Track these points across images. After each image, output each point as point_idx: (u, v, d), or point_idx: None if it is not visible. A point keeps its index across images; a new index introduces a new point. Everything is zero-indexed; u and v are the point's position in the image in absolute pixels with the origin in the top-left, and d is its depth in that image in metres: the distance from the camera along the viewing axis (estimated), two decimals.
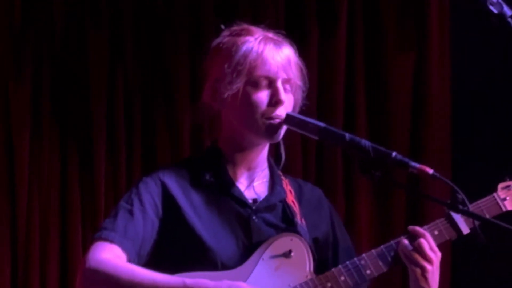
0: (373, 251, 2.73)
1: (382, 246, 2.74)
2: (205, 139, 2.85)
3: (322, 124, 2.68)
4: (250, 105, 2.68)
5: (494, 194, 2.85)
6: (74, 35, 4.52)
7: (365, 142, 2.59)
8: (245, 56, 2.68)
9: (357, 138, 2.61)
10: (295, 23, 4.58)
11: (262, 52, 2.69)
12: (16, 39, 4.46)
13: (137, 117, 4.55)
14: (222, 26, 2.79)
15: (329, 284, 2.67)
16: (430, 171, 2.53)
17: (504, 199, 2.85)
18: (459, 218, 2.77)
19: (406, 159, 2.56)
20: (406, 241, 2.73)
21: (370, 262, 2.71)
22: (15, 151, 4.44)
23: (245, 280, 2.62)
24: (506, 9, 2.26)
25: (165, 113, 4.55)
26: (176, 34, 4.58)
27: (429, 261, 2.70)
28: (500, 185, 2.88)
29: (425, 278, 2.70)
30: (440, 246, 2.81)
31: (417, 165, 2.55)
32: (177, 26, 4.58)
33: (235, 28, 2.78)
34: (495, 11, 2.27)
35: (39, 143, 4.47)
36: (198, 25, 4.55)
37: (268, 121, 2.69)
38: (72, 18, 4.51)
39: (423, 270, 2.69)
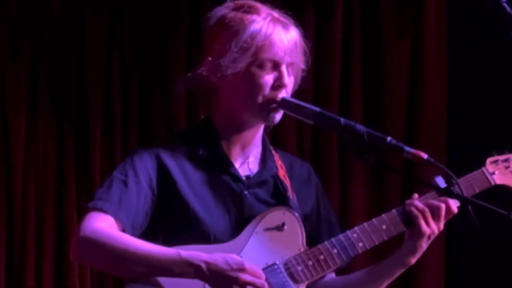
0: (365, 224, 2.76)
1: (374, 219, 2.76)
2: (199, 111, 2.83)
3: (317, 109, 2.69)
4: (253, 86, 2.68)
5: (483, 168, 2.87)
6: (72, 20, 4.52)
7: (360, 127, 2.60)
8: (253, 36, 2.66)
9: (352, 123, 2.62)
10: (291, 9, 4.56)
11: (270, 34, 2.68)
12: (13, 24, 4.45)
13: (134, 102, 4.55)
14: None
15: (322, 257, 2.68)
16: (425, 156, 2.55)
17: (493, 173, 2.87)
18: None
19: (401, 144, 2.58)
20: (418, 201, 2.74)
21: (362, 235, 2.73)
22: (10, 136, 4.44)
23: (238, 253, 2.63)
24: None
25: (162, 98, 4.56)
26: (174, 19, 4.58)
27: (440, 226, 2.74)
28: (489, 160, 2.90)
29: (429, 239, 2.74)
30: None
31: (412, 150, 2.56)
32: (175, 11, 4.58)
33: (241, 2, 2.75)
34: None
35: (35, 128, 4.47)
36: (196, 11, 4.55)
37: (267, 104, 2.69)
38: (70, 2, 4.51)
39: (433, 232, 2.73)
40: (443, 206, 2.73)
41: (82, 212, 4.18)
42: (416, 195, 2.79)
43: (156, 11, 4.58)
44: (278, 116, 2.73)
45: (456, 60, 4.64)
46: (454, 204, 2.76)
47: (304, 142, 4.59)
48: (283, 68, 2.70)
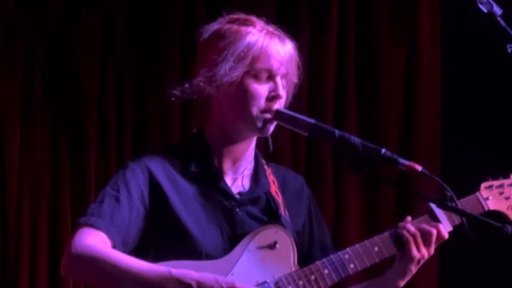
0: (357, 245, 2.75)
1: (366, 241, 2.75)
2: (191, 125, 2.83)
3: (312, 121, 2.69)
4: (247, 96, 2.68)
5: (477, 193, 2.87)
6: (67, 24, 4.51)
7: (355, 139, 2.60)
8: (249, 46, 2.68)
9: (347, 135, 2.62)
10: (286, 17, 4.58)
11: (267, 45, 2.69)
12: (8, 27, 4.45)
13: (128, 105, 4.54)
14: (224, 13, 2.79)
15: (313, 277, 2.68)
16: (419, 168, 2.55)
17: (487, 198, 2.87)
18: (442, 215, 2.79)
19: (395, 156, 2.57)
20: (410, 225, 2.74)
21: (354, 256, 2.72)
22: (5, 141, 4.43)
23: (230, 270, 2.63)
24: (495, 8, 2.27)
25: (156, 103, 4.55)
26: (168, 24, 4.57)
27: (430, 252, 2.75)
28: (483, 185, 2.90)
29: (418, 264, 2.74)
30: None
31: (406, 162, 2.56)
32: (170, 16, 4.58)
33: (236, 16, 2.77)
34: (485, 10, 2.28)
35: (30, 133, 4.47)
36: (190, 16, 4.55)
37: (261, 115, 2.69)
38: (65, 6, 4.51)
39: (423, 257, 2.73)
40: (434, 231, 2.73)
41: (75, 224, 4.19)
42: (409, 218, 2.79)
43: (150, 16, 4.58)
44: (271, 127, 2.73)
45: (451, 68, 4.65)
46: (445, 230, 2.76)
47: (298, 153, 4.58)
48: (278, 79, 2.71)
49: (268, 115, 2.70)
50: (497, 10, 2.28)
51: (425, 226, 2.74)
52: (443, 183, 2.59)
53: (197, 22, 4.50)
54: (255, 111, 2.69)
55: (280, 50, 2.71)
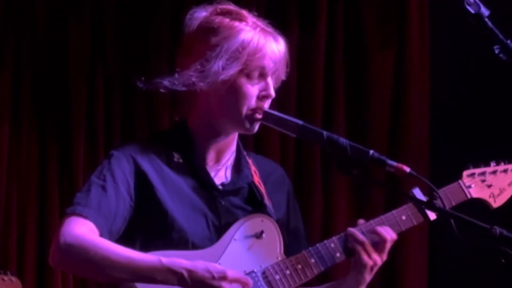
0: (342, 234, 2.75)
1: (334, 237, 2.76)
2: (173, 114, 2.82)
3: (300, 122, 2.69)
4: (239, 95, 2.67)
5: (460, 181, 2.88)
6: (56, 26, 4.51)
7: (343, 140, 2.60)
8: (244, 45, 2.65)
9: (335, 136, 2.62)
10: (275, 19, 4.57)
11: (263, 45, 2.68)
12: None
13: (117, 108, 4.54)
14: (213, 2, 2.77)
15: (299, 266, 2.68)
16: (407, 169, 2.55)
17: (469, 186, 2.87)
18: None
19: (384, 157, 2.57)
20: (359, 232, 2.73)
21: (340, 245, 2.72)
22: None
23: (217, 260, 2.63)
24: (483, 9, 2.27)
25: (145, 105, 4.55)
26: (158, 26, 4.57)
27: (383, 258, 2.72)
28: (465, 173, 2.91)
29: (372, 271, 2.72)
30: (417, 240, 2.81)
31: (394, 164, 2.56)
32: (159, 18, 4.58)
33: (226, 8, 2.74)
34: (472, 11, 2.28)
35: (18, 135, 4.46)
36: (179, 17, 4.53)
37: (252, 113, 2.68)
38: (54, 10, 4.50)
39: (375, 264, 2.71)
40: (387, 238, 2.71)
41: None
42: (361, 221, 2.77)
43: (139, 17, 4.57)
44: (257, 126, 2.72)
45: (440, 69, 4.66)
46: (394, 234, 2.73)
47: (287, 154, 4.58)
48: (269, 79, 2.70)
49: (257, 115, 2.69)
50: (485, 11, 2.28)
51: (378, 231, 2.72)
52: (432, 184, 2.59)
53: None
54: (244, 110, 2.68)
55: (275, 50, 2.70)
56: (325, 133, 2.62)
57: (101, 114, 4.52)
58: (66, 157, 4.49)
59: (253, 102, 2.68)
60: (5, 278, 4.01)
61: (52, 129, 4.50)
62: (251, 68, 2.67)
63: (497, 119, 4.45)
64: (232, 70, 2.65)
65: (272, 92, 2.70)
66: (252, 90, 2.68)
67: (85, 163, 4.49)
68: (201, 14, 2.74)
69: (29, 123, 4.48)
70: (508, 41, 2.29)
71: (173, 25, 4.54)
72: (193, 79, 2.67)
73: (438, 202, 2.66)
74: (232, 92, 2.68)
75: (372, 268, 2.71)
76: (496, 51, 2.29)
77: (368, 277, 2.72)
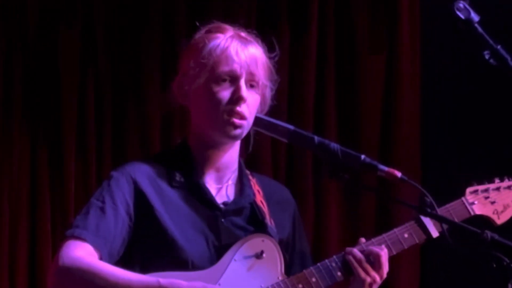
0: (342, 253, 2.74)
1: (334, 256, 2.75)
2: (175, 135, 2.84)
3: (291, 127, 2.69)
4: (211, 101, 2.67)
5: (463, 198, 2.87)
6: (46, 34, 4.50)
7: (334, 145, 2.61)
8: (210, 52, 2.67)
9: (326, 141, 2.62)
10: (266, 24, 4.58)
11: (226, 48, 2.67)
12: None
13: (108, 115, 4.53)
14: (197, 24, 2.78)
15: (300, 286, 2.67)
16: (399, 174, 2.55)
17: (473, 203, 2.87)
18: (428, 221, 2.79)
19: (375, 162, 2.58)
20: (356, 250, 2.72)
21: (340, 263, 2.71)
22: None
23: (217, 280, 2.62)
24: (473, 15, 2.28)
25: (136, 111, 4.54)
26: (148, 33, 4.57)
27: (381, 274, 2.71)
28: (468, 190, 2.90)
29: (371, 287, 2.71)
30: (409, 251, 2.82)
31: (386, 168, 2.57)
32: (150, 25, 4.57)
33: (210, 26, 2.76)
34: (462, 16, 2.29)
35: (9, 141, 4.45)
36: (170, 26, 4.55)
37: (228, 118, 2.67)
38: (44, 17, 4.49)
39: (374, 281, 2.70)
40: (382, 254, 2.70)
41: (56, 235, 4.16)
42: (362, 240, 2.76)
43: (130, 25, 4.57)
44: (239, 131, 2.69)
45: (430, 75, 4.66)
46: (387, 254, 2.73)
47: (279, 161, 4.58)
48: (241, 82, 2.67)
49: (234, 119, 2.67)
50: (474, 17, 2.28)
51: (373, 249, 2.71)
52: (423, 190, 2.59)
53: (176, 32, 4.52)
54: (221, 115, 2.67)
55: (240, 53, 2.68)
56: (316, 138, 2.62)
57: (92, 121, 4.51)
58: (57, 166, 4.47)
59: (225, 106, 2.66)
60: None
61: (43, 139, 4.48)
62: (218, 73, 2.67)
63: (488, 124, 4.46)
64: (202, 79, 2.66)
65: (244, 94, 2.66)
66: (223, 94, 2.67)
67: (77, 170, 4.48)
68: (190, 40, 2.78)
69: (19, 131, 4.46)
70: (498, 47, 2.30)
71: (164, 34, 4.54)
72: (174, 95, 2.72)
73: (430, 207, 2.67)
74: (206, 99, 2.68)
75: (371, 285, 2.70)
76: (486, 57, 2.29)
77: None
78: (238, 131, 2.68)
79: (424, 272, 4.59)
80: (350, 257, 2.71)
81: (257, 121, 2.70)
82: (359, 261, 2.70)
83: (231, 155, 2.77)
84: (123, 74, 4.56)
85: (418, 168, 4.58)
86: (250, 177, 2.84)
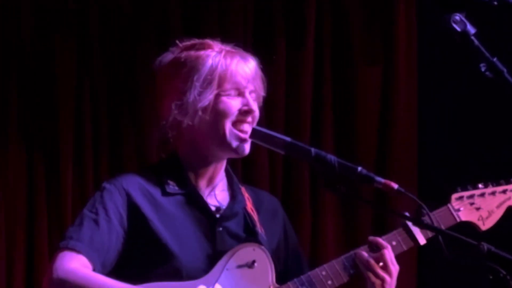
0: (333, 262, 2.75)
1: (342, 257, 2.76)
2: (159, 151, 2.84)
3: (288, 139, 2.69)
4: (221, 112, 2.69)
5: (449, 205, 2.88)
6: (42, 43, 4.50)
7: (331, 157, 2.61)
8: (213, 69, 2.69)
9: (323, 153, 2.62)
10: (263, 36, 4.59)
11: (229, 64, 2.71)
12: None
13: (104, 125, 4.53)
14: (177, 42, 2.80)
15: None
16: (395, 186, 2.55)
17: (458, 209, 2.88)
18: (415, 229, 2.80)
19: (372, 174, 2.58)
20: (364, 252, 2.74)
21: (331, 273, 2.72)
22: None
23: None
24: (469, 27, 2.28)
25: (132, 121, 4.54)
26: (144, 45, 4.57)
27: (390, 273, 2.72)
28: (454, 196, 2.91)
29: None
30: (406, 256, 2.83)
31: (382, 180, 2.57)
32: (145, 36, 4.57)
33: (190, 43, 2.78)
34: (458, 29, 2.29)
35: (5, 151, 4.44)
36: (165, 38, 4.55)
37: (235, 131, 2.70)
38: (40, 28, 4.49)
39: (384, 281, 2.71)
40: (385, 252, 2.72)
41: (53, 245, 4.14)
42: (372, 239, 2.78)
43: (126, 34, 4.57)
44: (247, 147, 2.73)
45: (427, 87, 4.67)
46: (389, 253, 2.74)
47: (276, 172, 4.58)
48: (247, 95, 2.72)
49: (242, 134, 2.69)
50: (471, 29, 2.29)
51: (375, 238, 2.74)
52: (419, 201, 2.60)
53: (172, 41, 4.52)
54: (228, 127, 2.70)
55: (244, 67, 2.73)
56: (313, 150, 2.63)
57: (89, 132, 4.50)
58: (54, 172, 4.47)
59: (235, 117, 2.70)
60: None
61: (40, 145, 4.48)
62: (227, 88, 2.70)
63: (485, 135, 4.47)
64: (209, 95, 2.68)
65: (253, 107, 2.72)
66: (233, 104, 2.70)
67: (73, 177, 4.47)
68: (167, 57, 2.80)
69: (16, 139, 4.45)
70: (495, 59, 2.30)
71: (160, 43, 4.54)
72: (177, 118, 2.71)
73: (426, 219, 2.67)
74: (213, 113, 2.70)
75: (382, 286, 2.71)
76: (483, 69, 2.30)
77: None
78: (246, 148, 2.72)
79: (421, 276, 4.59)
80: (358, 261, 2.72)
81: (254, 132, 2.71)
82: (367, 263, 2.71)
83: (223, 165, 2.80)
84: (119, 82, 4.56)
85: (415, 179, 4.59)
86: (240, 185, 2.86)
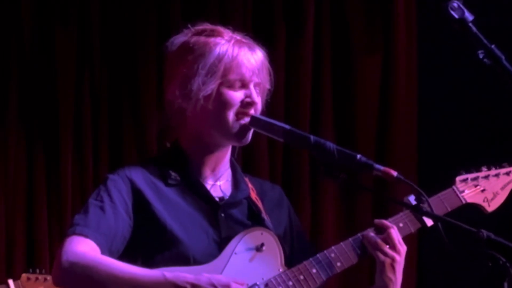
0: (341, 243, 2.75)
1: (350, 239, 2.76)
2: (164, 139, 2.84)
3: (287, 126, 2.69)
4: (224, 103, 2.69)
5: (453, 187, 2.88)
6: (42, 37, 4.50)
7: (330, 145, 2.61)
8: (220, 58, 2.69)
9: (322, 141, 2.62)
10: (262, 25, 4.60)
11: (237, 55, 2.70)
12: None
13: (104, 119, 4.54)
14: (189, 26, 2.79)
15: (301, 277, 2.68)
16: (395, 173, 2.55)
17: (463, 191, 2.88)
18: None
19: (371, 162, 2.58)
20: (372, 233, 2.75)
21: (340, 254, 2.73)
22: None
23: (219, 274, 2.62)
24: (467, 14, 2.28)
25: (132, 115, 4.55)
26: (144, 38, 4.58)
27: (398, 252, 2.72)
28: (458, 178, 2.91)
29: (393, 268, 2.71)
30: (405, 244, 2.83)
31: (382, 168, 2.56)
32: (145, 30, 4.58)
33: (202, 28, 2.77)
34: (456, 16, 2.29)
35: (5, 144, 4.45)
36: (166, 30, 4.55)
37: (237, 121, 2.70)
38: (40, 19, 4.50)
39: (393, 260, 2.71)
40: (391, 231, 2.72)
41: (53, 237, 4.15)
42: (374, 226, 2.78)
43: (126, 28, 4.58)
44: (249, 135, 2.74)
45: (427, 75, 4.67)
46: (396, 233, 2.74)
47: (275, 161, 4.59)
48: (252, 86, 2.72)
49: (243, 121, 2.70)
50: (469, 16, 2.29)
51: (379, 221, 2.74)
52: (419, 189, 2.60)
53: (172, 35, 4.52)
54: (231, 117, 2.70)
55: (251, 59, 2.72)
56: (312, 137, 2.63)
57: (88, 122, 4.52)
58: (54, 165, 4.48)
59: (237, 107, 2.70)
60: (39, 277, 3.99)
61: (40, 138, 4.49)
62: (230, 79, 2.69)
63: (484, 124, 4.47)
64: (212, 84, 2.68)
65: (256, 99, 2.71)
66: (236, 96, 2.70)
67: (73, 170, 4.49)
68: (179, 39, 2.77)
69: (16, 132, 4.47)
70: (493, 46, 2.30)
71: (160, 37, 4.55)
72: (181, 105, 2.71)
73: (425, 206, 2.68)
74: (216, 103, 2.69)
75: (392, 265, 2.71)
76: (481, 56, 2.30)
77: (393, 276, 2.71)
78: (248, 136, 2.72)
79: (421, 274, 4.60)
80: (365, 241, 2.72)
81: (253, 120, 2.71)
82: (374, 243, 2.71)
83: (226, 154, 2.80)
84: (119, 77, 4.57)
85: (414, 168, 4.59)
86: (243, 175, 2.86)
